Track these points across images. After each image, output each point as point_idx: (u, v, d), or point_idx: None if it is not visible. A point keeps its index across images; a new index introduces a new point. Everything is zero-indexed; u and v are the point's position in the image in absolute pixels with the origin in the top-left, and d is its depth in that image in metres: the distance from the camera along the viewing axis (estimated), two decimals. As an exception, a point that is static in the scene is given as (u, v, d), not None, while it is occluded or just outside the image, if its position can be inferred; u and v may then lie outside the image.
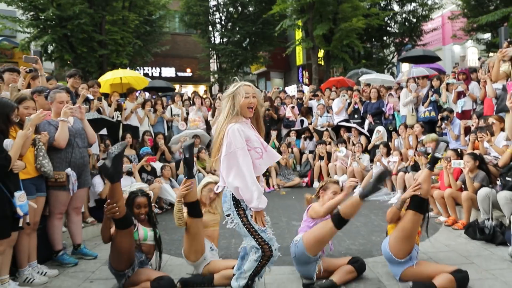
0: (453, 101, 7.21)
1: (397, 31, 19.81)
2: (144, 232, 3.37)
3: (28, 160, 3.37)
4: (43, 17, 12.69)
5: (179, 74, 24.17)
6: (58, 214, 3.89)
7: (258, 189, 2.55)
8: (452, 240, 4.39)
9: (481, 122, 5.48)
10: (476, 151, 5.18)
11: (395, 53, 20.01)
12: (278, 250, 2.69)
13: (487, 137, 4.93)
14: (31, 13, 12.99)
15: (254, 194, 2.52)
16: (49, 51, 13.49)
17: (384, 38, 19.96)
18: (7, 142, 3.07)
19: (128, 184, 5.78)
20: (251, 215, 2.62)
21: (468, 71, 7.40)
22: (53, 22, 12.82)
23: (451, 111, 6.74)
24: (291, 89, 15.77)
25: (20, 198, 3.07)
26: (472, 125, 6.07)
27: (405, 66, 20.13)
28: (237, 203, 2.64)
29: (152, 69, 22.50)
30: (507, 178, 4.24)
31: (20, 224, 3.11)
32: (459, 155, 5.19)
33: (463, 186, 4.95)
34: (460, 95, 7.12)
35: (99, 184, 5.17)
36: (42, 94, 3.95)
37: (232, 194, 2.63)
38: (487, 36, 17.97)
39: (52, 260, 3.92)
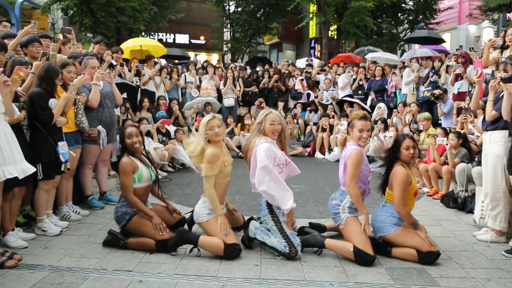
0: (451, 83, 7.64)
1: (412, 8, 19.69)
2: (147, 172, 3.55)
3: (69, 116, 4.00)
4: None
5: (193, 41, 24.47)
6: (89, 164, 4.57)
7: (289, 194, 3.34)
8: (429, 207, 5.00)
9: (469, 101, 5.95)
10: (462, 131, 5.70)
11: (408, 31, 19.97)
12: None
13: (470, 118, 5.43)
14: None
15: (286, 198, 3.30)
16: (69, 15, 13.94)
17: (399, 14, 19.88)
18: (51, 101, 3.68)
19: (146, 144, 6.43)
20: (284, 221, 3.36)
21: (467, 54, 7.77)
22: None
23: (445, 91, 7.21)
24: (303, 62, 16.06)
25: (63, 147, 3.72)
26: (464, 106, 6.54)
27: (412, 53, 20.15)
28: (271, 210, 3.36)
29: (166, 35, 22.84)
30: (482, 156, 4.76)
31: (62, 169, 3.77)
32: (447, 133, 5.71)
33: (446, 161, 5.51)
34: (458, 77, 7.54)
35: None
36: (76, 60, 4.53)
37: (267, 202, 3.37)
38: (504, 16, 17.85)
39: (83, 203, 4.62)
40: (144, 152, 3.74)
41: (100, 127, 4.44)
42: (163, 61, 11.74)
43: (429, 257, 3.15)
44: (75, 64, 4.25)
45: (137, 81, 7.86)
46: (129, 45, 9.25)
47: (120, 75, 7.06)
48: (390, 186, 3.39)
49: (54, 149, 3.66)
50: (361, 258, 3.11)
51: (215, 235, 3.27)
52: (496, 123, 3.63)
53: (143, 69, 8.21)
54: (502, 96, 3.57)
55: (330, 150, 8.54)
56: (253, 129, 3.57)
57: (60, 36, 6.15)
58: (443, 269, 3.10)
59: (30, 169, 3.19)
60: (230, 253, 3.22)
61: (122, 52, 7.49)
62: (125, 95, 7.09)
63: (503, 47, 5.19)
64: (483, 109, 3.93)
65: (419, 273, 3.03)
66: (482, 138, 3.96)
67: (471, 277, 2.98)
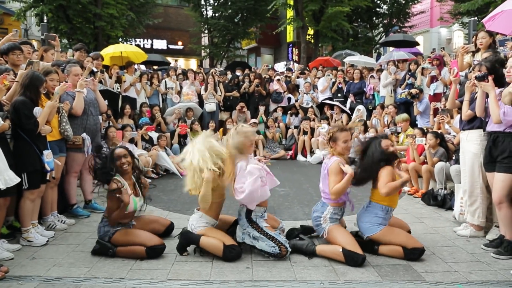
0: (426, 84, 7.92)
1: (386, 12, 20.24)
2: (134, 204, 3.49)
3: (53, 125, 3.95)
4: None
5: (171, 46, 24.36)
6: (74, 172, 4.52)
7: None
8: (411, 205, 5.16)
9: (445, 101, 6.18)
10: (439, 131, 5.91)
11: (383, 34, 20.51)
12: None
13: (447, 118, 5.65)
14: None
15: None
16: (44, 21, 13.66)
17: (374, 18, 20.40)
18: (36, 110, 3.64)
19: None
20: (266, 226, 3.39)
21: (441, 57, 8.07)
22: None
23: (421, 90, 7.49)
24: (281, 66, 16.27)
25: (48, 156, 3.68)
26: (441, 107, 6.79)
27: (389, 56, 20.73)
28: (250, 220, 3.40)
29: (144, 40, 22.67)
30: (459, 154, 4.97)
31: (47, 178, 3.73)
32: (424, 133, 5.91)
33: (425, 160, 5.70)
34: (433, 79, 7.82)
35: (107, 148, 5.76)
36: (60, 68, 4.48)
37: (245, 212, 3.41)
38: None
39: (68, 212, 4.55)
40: (136, 175, 3.67)
41: (84, 135, 4.40)
42: (143, 67, 11.67)
43: (414, 253, 3.28)
44: (58, 72, 4.20)
45: (118, 88, 7.80)
46: (109, 51, 9.15)
47: (100, 82, 6.98)
48: (374, 184, 3.50)
49: (39, 157, 3.61)
50: (351, 259, 3.19)
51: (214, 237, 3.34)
52: (472, 123, 3.81)
53: (123, 75, 8.14)
54: (477, 96, 3.75)
55: (312, 152, 8.68)
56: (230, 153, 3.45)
57: (35, 43, 6.07)
58: (428, 264, 3.22)
59: (13, 179, 3.14)
60: (229, 253, 3.26)
61: (103, 59, 7.40)
62: (106, 101, 7.01)
63: (475, 51, 5.44)
64: (459, 109, 4.11)
65: (405, 269, 3.15)
66: (460, 137, 4.14)
67: (454, 270, 3.11)
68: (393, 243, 3.33)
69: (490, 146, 3.48)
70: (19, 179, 3.22)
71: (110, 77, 7.72)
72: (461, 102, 4.04)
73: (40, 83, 3.64)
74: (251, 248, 3.47)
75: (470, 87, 3.78)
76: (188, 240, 3.45)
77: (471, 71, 4.60)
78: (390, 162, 3.47)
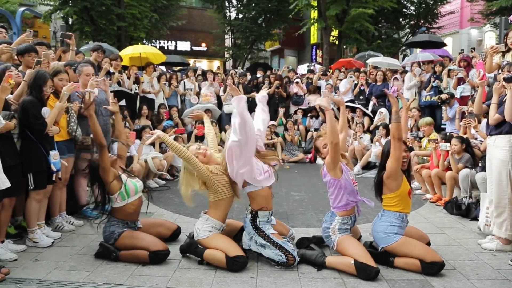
0: (453, 87, 7.53)
1: (413, 12, 19.65)
2: (133, 184, 3.44)
3: (61, 125, 3.92)
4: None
5: (194, 48, 24.48)
6: (84, 173, 4.47)
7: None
8: (432, 214, 4.87)
9: (470, 108, 5.85)
10: (465, 136, 5.57)
11: (410, 35, 19.93)
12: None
13: (474, 123, 5.32)
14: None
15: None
16: (69, 23, 13.99)
17: (400, 19, 19.85)
18: (44, 110, 3.60)
19: (146, 152, 6.36)
20: (272, 233, 3.21)
21: (469, 58, 7.67)
22: (75, -5, 13.27)
23: (452, 95, 7.09)
24: (304, 67, 15.99)
25: (54, 156, 3.64)
26: (467, 111, 6.42)
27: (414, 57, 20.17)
28: (256, 227, 3.24)
29: (167, 42, 22.86)
30: (486, 161, 4.64)
31: (53, 179, 3.69)
32: (447, 138, 5.57)
33: (449, 166, 5.38)
34: (460, 81, 7.43)
35: (116, 150, 5.72)
36: (72, 68, 4.46)
37: (251, 219, 3.26)
38: (505, 20, 17.77)
39: (77, 213, 4.52)
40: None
41: (94, 135, 4.35)
42: (163, 68, 11.72)
43: (432, 268, 3.02)
44: (68, 71, 4.18)
45: (136, 89, 7.80)
46: (129, 52, 9.21)
47: (118, 83, 7.00)
48: (381, 191, 3.30)
49: (45, 158, 3.58)
50: (363, 271, 2.97)
51: (218, 249, 3.18)
52: (500, 127, 3.52)
53: (142, 76, 8.15)
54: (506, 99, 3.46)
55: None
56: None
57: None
58: (447, 281, 2.97)
59: (5, 183, 3.00)
60: (233, 265, 3.10)
61: (121, 60, 7.44)
62: (123, 102, 7.03)
63: (505, 51, 5.09)
64: (486, 113, 3.81)
65: (421, 284, 2.90)
66: (486, 143, 3.84)
67: (477, 288, 2.85)
68: (410, 256, 3.09)
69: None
70: (9, 184, 3.03)
71: (129, 78, 7.74)
72: (489, 106, 3.75)
73: (43, 82, 3.58)
74: (257, 256, 3.31)
75: (498, 89, 3.50)
76: (192, 253, 3.35)
77: (500, 73, 4.30)
78: None
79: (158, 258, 3.24)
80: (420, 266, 3.05)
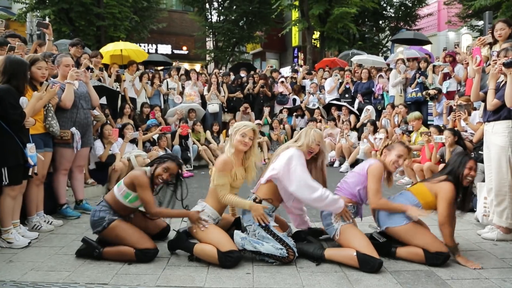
0: (439, 82, 7.54)
1: (393, 15, 19.93)
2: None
3: (38, 117, 3.64)
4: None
5: (175, 51, 24.12)
6: (63, 170, 4.19)
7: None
8: (427, 207, 4.76)
9: (459, 98, 5.83)
10: (456, 128, 5.54)
11: (390, 37, 20.19)
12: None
13: (464, 115, 5.28)
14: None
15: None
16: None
17: (380, 22, 20.09)
18: (23, 100, 3.34)
19: (129, 151, 6.09)
20: (274, 226, 3.03)
21: (454, 53, 7.71)
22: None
23: (440, 90, 7.08)
24: (286, 70, 15.91)
25: (31, 149, 3.36)
26: (455, 104, 6.41)
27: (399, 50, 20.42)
28: None
29: (148, 45, 22.43)
30: (480, 152, 4.59)
31: (30, 173, 3.40)
32: (441, 131, 5.54)
33: (441, 160, 5.32)
34: (446, 76, 7.45)
35: (99, 147, 5.45)
36: (49, 59, 4.18)
37: None
38: (482, 23, 18.17)
39: (57, 213, 4.22)
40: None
41: (73, 129, 4.08)
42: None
43: (437, 258, 2.88)
44: (47, 61, 3.90)
45: (117, 87, 7.51)
46: (109, 49, 8.90)
47: (99, 80, 6.69)
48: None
49: (22, 151, 3.30)
50: (366, 263, 2.80)
51: (210, 243, 2.96)
52: (498, 113, 3.43)
53: (123, 74, 7.86)
54: (503, 84, 3.39)
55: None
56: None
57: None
58: (453, 271, 2.84)
59: None
60: (225, 261, 2.88)
61: (102, 57, 7.14)
62: (104, 100, 6.74)
63: (493, 43, 5.08)
64: (483, 101, 3.73)
65: (427, 275, 2.76)
66: (484, 129, 3.76)
67: (485, 278, 2.72)
68: (414, 244, 2.95)
69: (522, 135, 3.10)
70: None
71: (110, 76, 7.45)
72: (485, 93, 3.68)
73: (27, 67, 3.33)
74: (252, 253, 3.09)
75: (496, 74, 3.42)
76: (181, 249, 3.14)
77: (489, 64, 4.25)
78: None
79: (145, 257, 2.99)
80: (424, 256, 2.91)
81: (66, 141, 4.02)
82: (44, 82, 3.56)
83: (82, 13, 13.06)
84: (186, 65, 23.29)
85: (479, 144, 4.77)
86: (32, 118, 3.49)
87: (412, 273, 2.81)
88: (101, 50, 8.28)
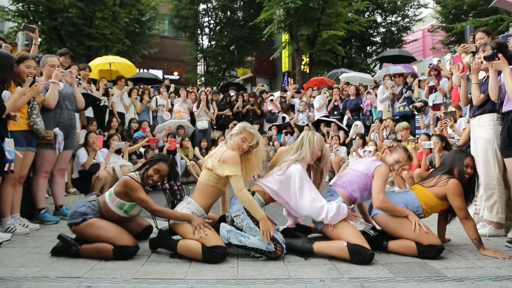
0: (425, 95, 7.64)
1: (379, 41, 20.47)
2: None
3: (22, 113, 3.53)
4: (33, 8, 12.71)
5: (167, 76, 24.30)
6: (44, 173, 4.03)
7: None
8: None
9: (445, 109, 5.89)
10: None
11: (377, 62, 20.66)
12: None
13: (450, 122, 5.30)
14: (21, 3, 13.01)
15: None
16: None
17: (367, 47, 20.60)
18: (5, 94, 3.25)
19: (115, 161, 5.95)
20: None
21: (439, 67, 7.85)
22: (43, 14, 12.88)
23: (426, 103, 7.16)
24: (276, 95, 16.05)
25: (9, 144, 3.22)
26: (440, 115, 6.46)
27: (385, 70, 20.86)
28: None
29: (140, 70, 22.57)
30: (470, 144, 4.58)
31: (6, 169, 3.25)
32: (429, 138, 5.54)
33: (430, 166, 5.30)
34: (431, 90, 7.55)
35: (83, 155, 5.31)
36: (35, 60, 4.10)
37: None
38: (465, 49, 18.73)
39: (34, 218, 4.02)
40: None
41: (57, 130, 3.96)
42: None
43: (430, 251, 2.78)
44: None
45: (105, 101, 7.43)
46: (98, 62, 8.87)
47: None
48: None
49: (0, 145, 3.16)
50: (357, 254, 2.68)
51: (195, 238, 2.81)
52: (483, 107, 3.45)
53: (112, 88, 7.81)
54: (486, 79, 3.41)
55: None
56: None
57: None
58: (447, 261, 2.74)
59: None
60: (210, 256, 2.73)
61: (90, 70, 7.10)
62: (91, 113, 6.66)
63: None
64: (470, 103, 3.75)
65: (420, 266, 2.66)
66: (470, 124, 3.75)
67: (479, 267, 2.62)
68: (406, 236, 2.84)
69: (509, 126, 3.08)
70: None
71: (98, 90, 7.39)
72: None
73: (14, 61, 3.27)
74: (237, 248, 2.95)
75: (477, 69, 3.45)
76: (164, 247, 2.99)
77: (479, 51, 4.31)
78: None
79: (123, 254, 2.82)
80: (417, 249, 2.81)
81: (48, 141, 3.89)
82: (29, 78, 3.48)
83: (73, 33, 13.12)
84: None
85: (466, 146, 4.75)
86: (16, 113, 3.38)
87: (404, 264, 2.70)
88: (90, 64, 8.25)
